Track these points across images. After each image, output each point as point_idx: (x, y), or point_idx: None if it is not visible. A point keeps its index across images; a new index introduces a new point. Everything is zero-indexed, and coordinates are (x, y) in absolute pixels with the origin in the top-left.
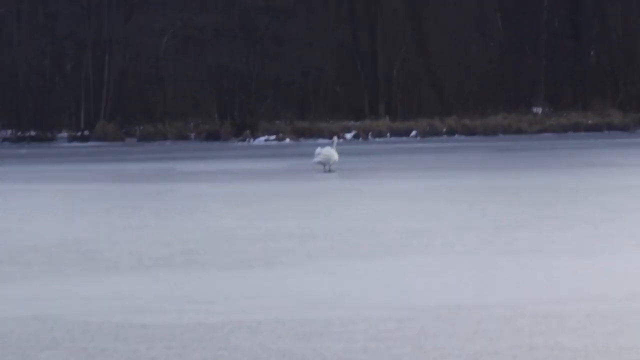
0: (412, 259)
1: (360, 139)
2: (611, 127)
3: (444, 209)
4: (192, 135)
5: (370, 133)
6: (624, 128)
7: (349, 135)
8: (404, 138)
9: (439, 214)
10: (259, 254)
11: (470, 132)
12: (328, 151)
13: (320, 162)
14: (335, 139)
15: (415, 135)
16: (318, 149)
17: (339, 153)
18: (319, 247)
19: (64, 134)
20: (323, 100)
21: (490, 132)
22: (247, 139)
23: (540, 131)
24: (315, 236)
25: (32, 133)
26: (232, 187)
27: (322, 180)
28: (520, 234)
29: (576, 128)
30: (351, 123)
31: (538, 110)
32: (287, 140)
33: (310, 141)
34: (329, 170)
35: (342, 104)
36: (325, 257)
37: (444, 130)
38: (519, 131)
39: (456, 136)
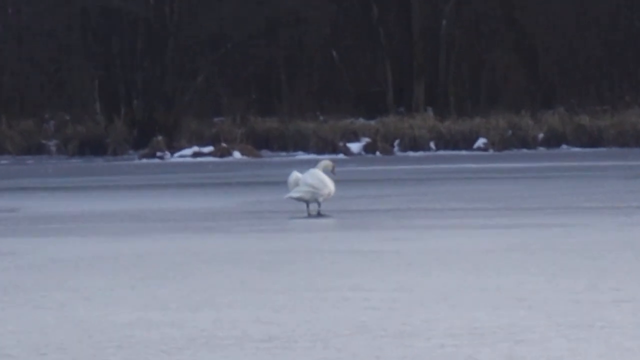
0: None
1: (378, 152)
2: None
3: (546, 292)
4: (52, 146)
5: (396, 142)
6: None
7: (355, 147)
8: (463, 152)
9: (538, 303)
10: None
11: (592, 139)
12: (315, 177)
13: (300, 198)
14: (326, 163)
15: (485, 147)
16: (294, 175)
17: (336, 181)
18: None
19: None
20: (306, 80)
21: (628, 139)
22: (160, 154)
23: None
24: (290, 343)
25: None
26: (129, 245)
27: (301, 232)
28: None
29: None
30: (360, 123)
31: None
32: (236, 154)
33: (280, 157)
34: (317, 213)
35: (344, 86)
36: None
37: (540, 136)
38: None
39: (564, 147)
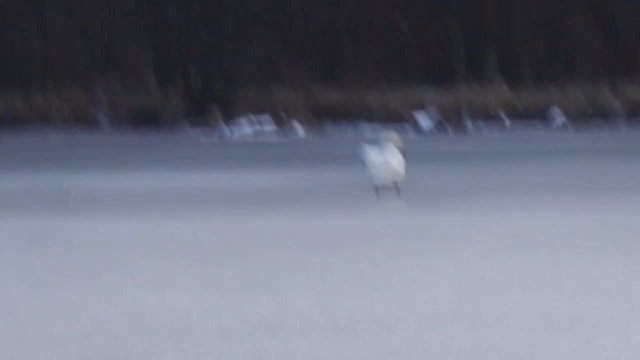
0: None
1: (447, 126)
2: None
3: (628, 278)
4: (104, 118)
5: (467, 115)
6: None
7: (423, 119)
8: (537, 123)
9: (619, 289)
10: None
11: None
12: (396, 159)
13: (386, 184)
14: (393, 138)
15: (561, 121)
16: (368, 151)
17: (407, 157)
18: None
19: None
20: (371, 48)
21: None
22: (217, 127)
23: None
24: (355, 331)
25: None
26: (185, 225)
27: (369, 213)
28: None
29: None
30: (429, 93)
31: None
32: (297, 127)
33: (344, 129)
34: (397, 191)
35: (411, 53)
36: None
37: (625, 108)
38: None
39: None
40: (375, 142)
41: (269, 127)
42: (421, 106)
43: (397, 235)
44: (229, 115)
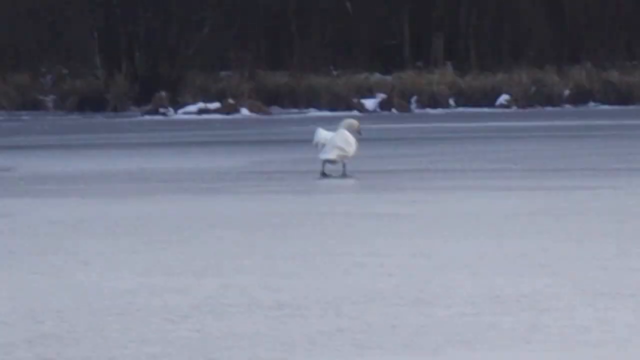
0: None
1: (394, 109)
2: None
3: (572, 258)
4: (49, 102)
5: (414, 98)
6: None
7: (370, 103)
8: (485, 109)
9: (563, 269)
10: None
11: (621, 96)
12: (344, 139)
13: (333, 161)
14: (351, 122)
15: (507, 103)
16: (320, 133)
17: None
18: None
19: None
20: (318, 32)
21: None
22: (163, 110)
23: None
24: (299, 310)
25: None
26: (130, 207)
27: (313, 194)
28: None
29: None
30: (376, 78)
31: None
32: (244, 111)
33: (291, 114)
34: (343, 174)
35: (358, 37)
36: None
37: (566, 92)
38: None
39: (591, 104)
40: (328, 126)
41: (216, 111)
42: (368, 90)
43: (343, 216)
44: (176, 99)
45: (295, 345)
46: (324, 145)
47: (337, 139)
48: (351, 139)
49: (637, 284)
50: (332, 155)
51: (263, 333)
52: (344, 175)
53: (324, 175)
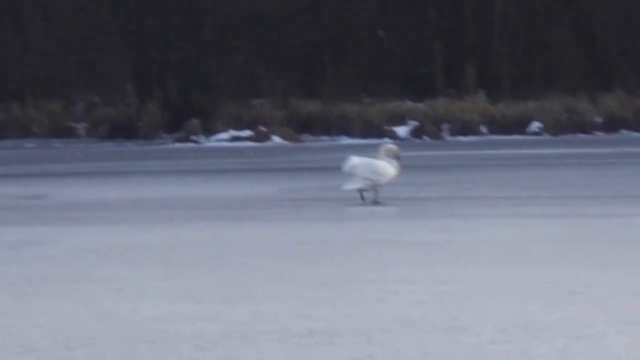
0: None
1: (426, 137)
2: None
3: (602, 286)
4: (81, 129)
5: (447, 126)
6: None
7: (402, 131)
8: (516, 136)
9: (594, 297)
10: None
11: None
12: (369, 169)
13: (361, 188)
14: (390, 147)
15: (539, 131)
16: (351, 160)
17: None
18: None
19: None
20: (351, 60)
21: None
22: (195, 137)
23: None
24: (331, 339)
25: None
26: (162, 234)
27: (344, 221)
28: None
29: None
30: (408, 105)
31: None
32: (276, 139)
33: (323, 142)
34: (375, 202)
35: (391, 67)
36: None
37: (598, 120)
38: None
39: (624, 132)
40: (350, 153)
41: (248, 139)
42: (400, 118)
43: (374, 243)
44: (208, 127)
45: None
46: (352, 172)
47: (363, 169)
48: (382, 167)
49: None
50: (352, 186)
51: None
52: (375, 202)
53: (362, 199)
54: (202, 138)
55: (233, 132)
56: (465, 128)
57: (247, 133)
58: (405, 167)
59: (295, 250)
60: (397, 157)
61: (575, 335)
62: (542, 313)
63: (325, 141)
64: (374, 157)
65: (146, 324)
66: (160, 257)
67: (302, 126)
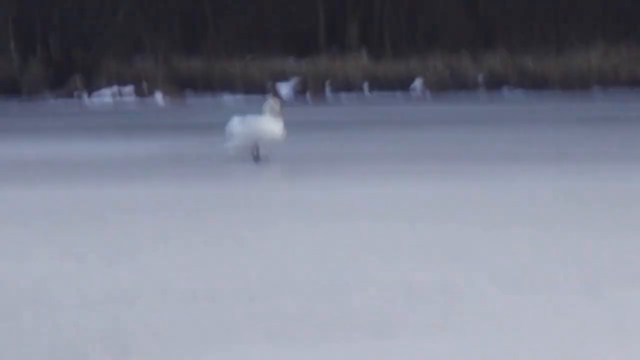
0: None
1: (307, 94)
2: None
3: (485, 246)
4: None
5: (327, 83)
6: None
7: (283, 88)
8: (398, 93)
9: (476, 257)
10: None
11: (534, 81)
12: (248, 125)
13: (237, 147)
14: (272, 104)
15: (422, 89)
16: (234, 121)
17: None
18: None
19: None
20: (233, 17)
21: (573, 82)
22: (77, 94)
23: None
24: (214, 299)
25: None
26: (42, 193)
27: (226, 179)
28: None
29: None
30: (290, 63)
31: None
32: (158, 96)
33: (205, 99)
34: (256, 158)
35: (273, 24)
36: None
37: (479, 77)
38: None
39: (505, 89)
40: (232, 111)
41: (130, 96)
42: (282, 76)
43: (257, 204)
44: (91, 85)
45: (208, 333)
46: (234, 133)
47: (245, 126)
48: (266, 122)
49: (550, 271)
50: (235, 144)
51: (177, 322)
52: (258, 159)
53: (251, 158)
54: (84, 95)
55: (115, 89)
56: (347, 86)
57: (129, 90)
58: (288, 124)
59: (178, 208)
60: (280, 113)
61: (459, 296)
62: (426, 274)
63: (208, 98)
64: (258, 115)
65: (29, 285)
66: (42, 216)
67: (185, 83)
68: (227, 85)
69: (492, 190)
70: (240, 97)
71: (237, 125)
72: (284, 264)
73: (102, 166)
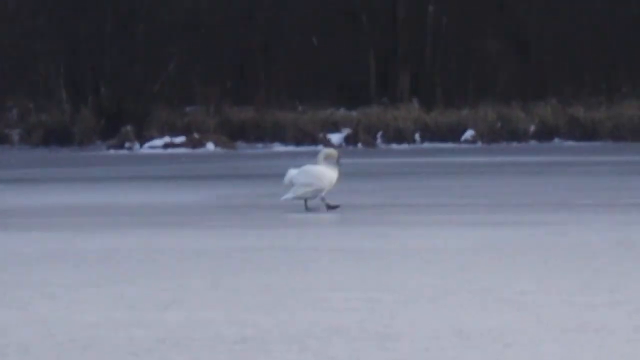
0: None
1: (359, 144)
2: None
3: (536, 293)
4: (15, 135)
5: (379, 134)
6: None
7: (335, 138)
8: (450, 143)
9: (528, 305)
10: None
11: (585, 131)
12: (309, 175)
13: (298, 198)
14: (329, 152)
15: (472, 139)
16: (290, 173)
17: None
18: None
19: None
20: (284, 68)
21: (625, 132)
22: (129, 144)
23: None
24: (264, 345)
25: None
26: (95, 241)
27: (278, 228)
28: None
29: None
30: (341, 113)
31: None
32: (209, 146)
33: (256, 149)
34: (327, 206)
35: (325, 75)
36: None
37: (531, 127)
38: None
39: (556, 140)
40: (284, 161)
41: (182, 146)
42: (333, 126)
43: (307, 250)
44: (142, 135)
45: None
46: (291, 183)
47: (302, 176)
48: (321, 171)
49: (602, 319)
50: (292, 194)
51: None
52: (328, 207)
53: (307, 209)
54: (136, 145)
55: (167, 139)
56: (399, 136)
57: (180, 139)
58: (340, 174)
59: (229, 257)
60: (337, 162)
61: (509, 343)
62: (475, 320)
63: (259, 148)
64: (313, 164)
65: (79, 331)
66: (94, 263)
67: (236, 133)
68: (278, 135)
69: (542, 239)
70: (291, 147)
71: (297, 175)
72: (334, 312)
73: (153, 215)
